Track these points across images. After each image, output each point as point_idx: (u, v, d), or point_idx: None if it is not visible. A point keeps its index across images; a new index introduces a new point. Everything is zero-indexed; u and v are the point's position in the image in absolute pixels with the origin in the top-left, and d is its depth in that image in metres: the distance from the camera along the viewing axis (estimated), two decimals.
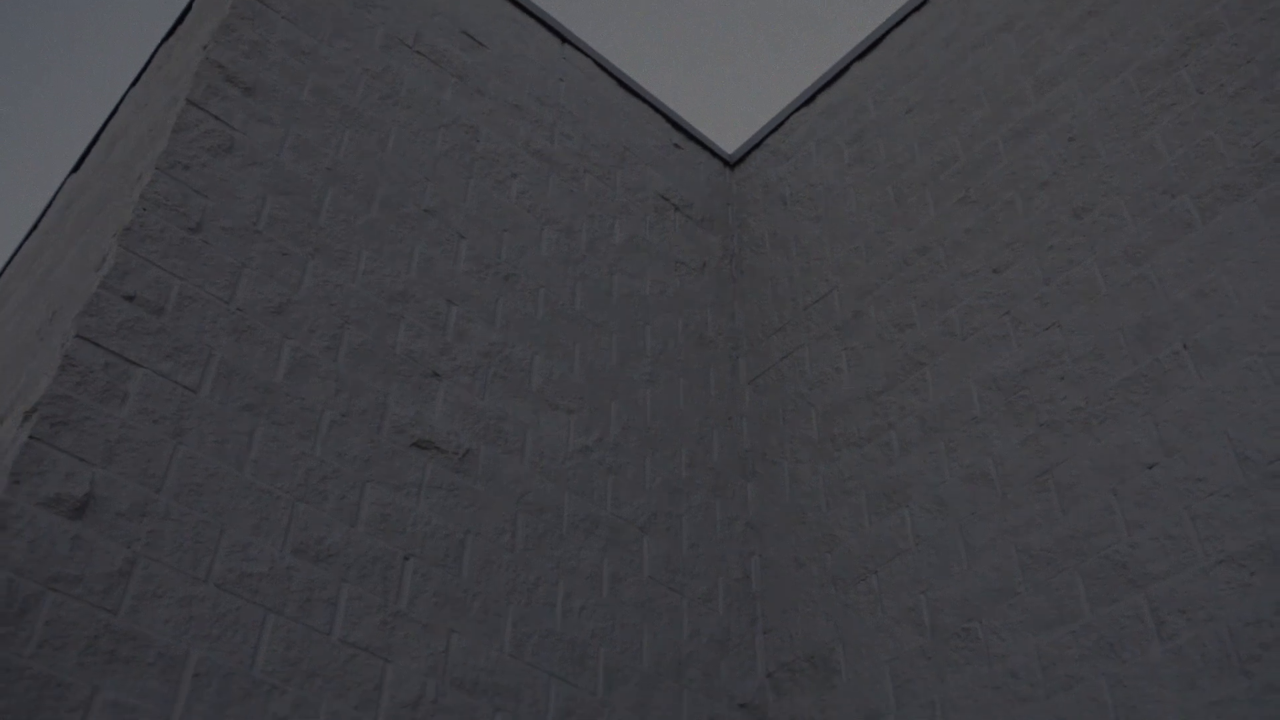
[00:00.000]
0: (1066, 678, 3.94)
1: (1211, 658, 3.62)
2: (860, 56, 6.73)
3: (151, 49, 6.65)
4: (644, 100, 6.93)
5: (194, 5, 5.80)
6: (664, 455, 5.36)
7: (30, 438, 3.40)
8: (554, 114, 6.22)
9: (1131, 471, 4.14)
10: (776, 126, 7.04)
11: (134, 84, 6.19)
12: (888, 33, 6.63)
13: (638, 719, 4.45)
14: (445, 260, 5.03)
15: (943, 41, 6.19)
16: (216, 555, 3.63)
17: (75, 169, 6.57)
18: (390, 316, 4.64)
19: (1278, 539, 3.65)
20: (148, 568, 3.46)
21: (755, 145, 7.11)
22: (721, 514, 5.42)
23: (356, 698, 3.72)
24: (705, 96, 18.63)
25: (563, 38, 6.70)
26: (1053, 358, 4.63)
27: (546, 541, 4.61)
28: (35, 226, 6.90)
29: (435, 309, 4.84)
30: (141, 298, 3.89)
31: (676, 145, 6.92)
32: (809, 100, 6.90)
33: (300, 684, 3.62)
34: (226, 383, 3.97)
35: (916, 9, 6.55)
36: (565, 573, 4.59)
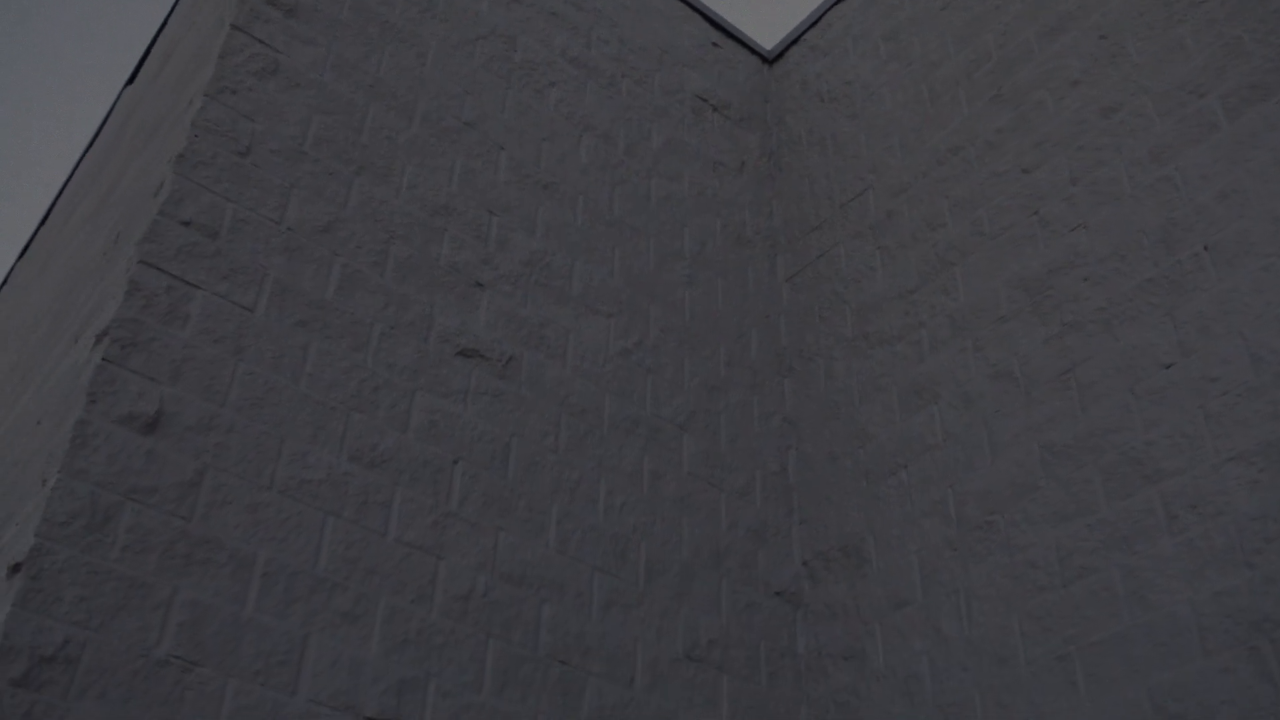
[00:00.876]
0: (1081, 568, 4.15)
1: (1218, 550, 3.80)
2: None
3: None
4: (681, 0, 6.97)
5: None
6: (702, 355, 5.56)
7: (103, 360, 3.66)
8: (591, 19, 6.30)
9: (1149, 371, 4.28)
10: (814, 22, 7.06)
11: None
12: None
13: (678, 608, 4.73)
14: (486, 172, 5.20)
15: None
16: (278, 464, 3.90)
17: (130, 81, 6.77)
18: (434, 230, 4.83)
19: None
20: (216, 477, 3.74)
21: (793, 41, 7.14)
22: (759, 410, 5.63)
23: (412, 592, 4.01)
24: None
25: None
26: (1078, 258, 4.74)
27: (588, 442, 4.85)
28: (95, 137, 7.13)
29: (477, 220, 5.02)
30: (197, 222, 4.10)
31: (714, 44, 6.97)
32: None
33: (360, 581, 3.91)
34: (280, 301, 4.20)
35: None
36: (607, 471, 4.83)
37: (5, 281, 7.97)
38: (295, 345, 4.15)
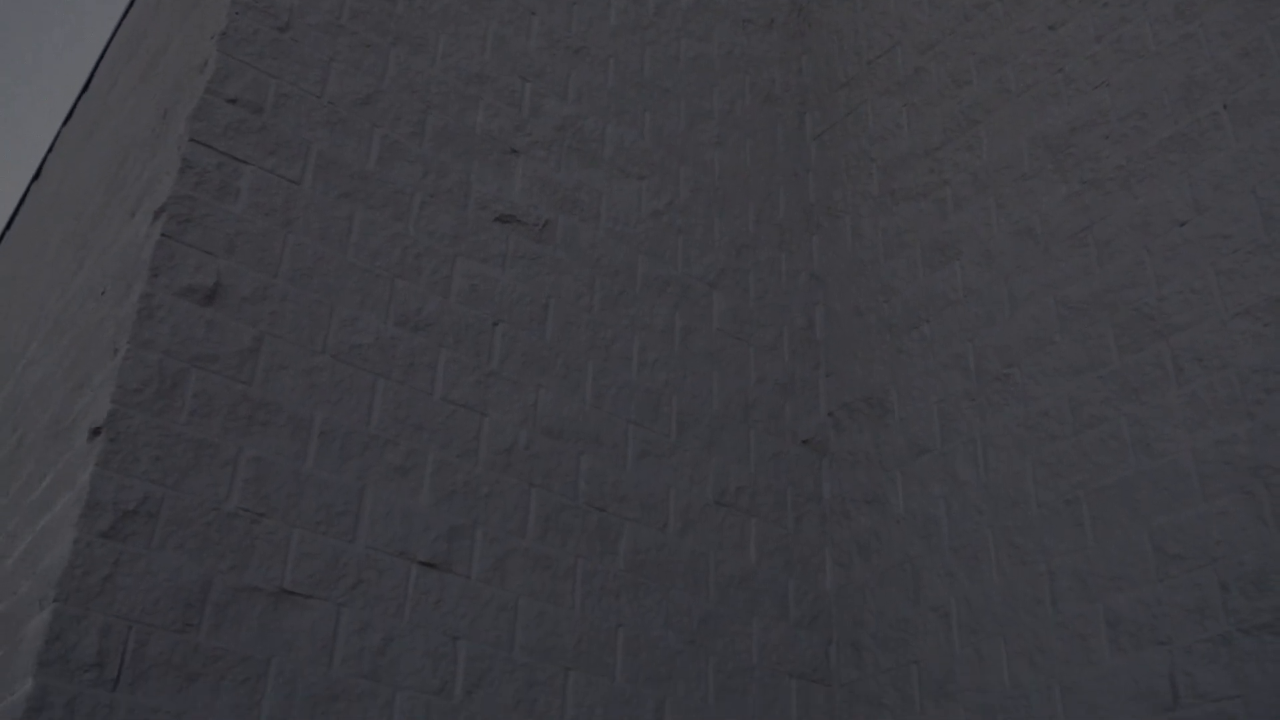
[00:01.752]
0: (1092, 418, 4.36)
1: (1221, 401, 3.99)
2: None
3: None
4: None
5: None
6: (732, 214, 5.71)
7: (162, 235, 3.88)
8: None
9: (1164, 228, 4.41)
10: None
11: None
12: None
13: (708, 457, 5.00)
14: (518, 38, 5.30)
15: None
16: (330, 330, 4.15)
17: None
18: (468, 98, 4.97)
19: None
20: (272, 344, 3.99)
21: None
22: (787, 267, 5.81)
23: (458, 448, 4.29)
24: None
25: None
26: (1100, 116, 4.83)
27: (621, 301, 5.06)
28: (131, 5, 7.23)
29: (510, 87, 5.15)
30: (243, 99, 4.27)
31: None
32: None
33: (409, 437, 4.18)
34: (325, 173, 4.38)
35: None
36: (639, 329, 5.06)
37: (51, 149, 8.17)
38: (340, 216, 4.35)
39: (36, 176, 8.34)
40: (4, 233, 8.75)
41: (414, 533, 4.06)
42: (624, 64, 5.68)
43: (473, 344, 4.51)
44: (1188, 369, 4.13)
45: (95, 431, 3.58)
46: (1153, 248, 4.42)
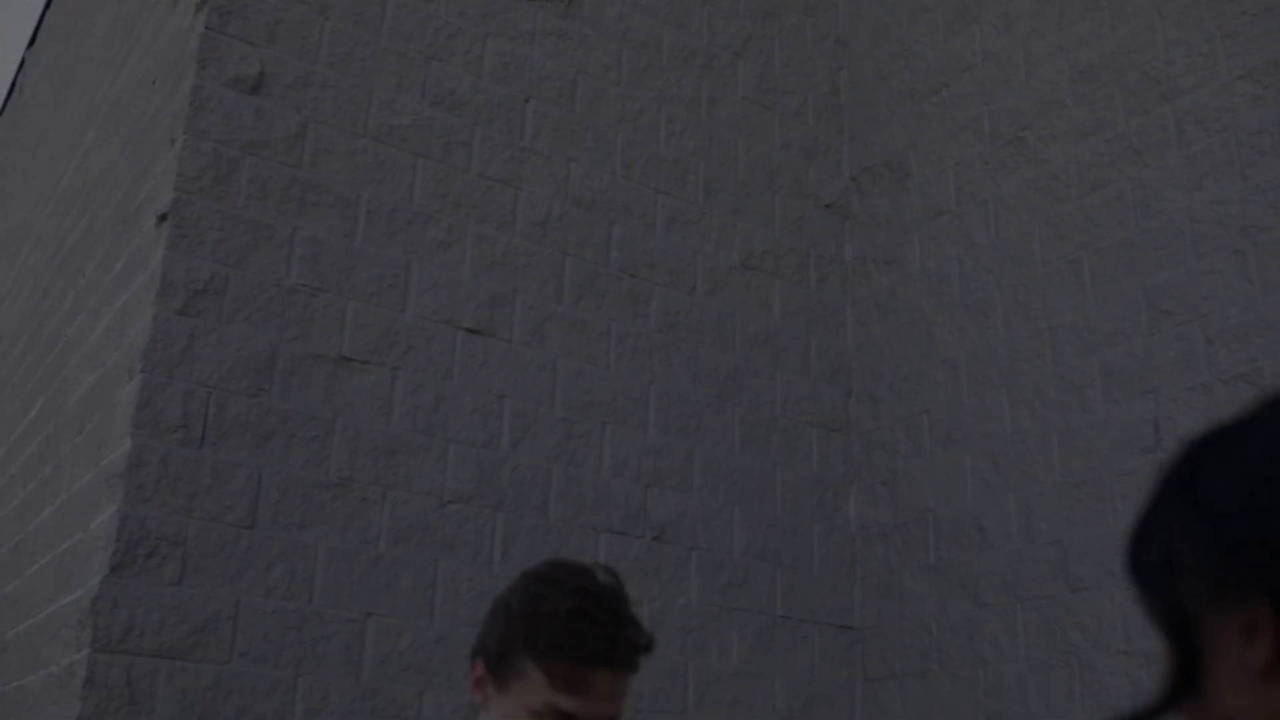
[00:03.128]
0: (1097, 180, 4.56)
1: (1218, 163, 4.18)
2: None
3: None
4: None
5: None
6: None
7: (206, 28, 4.09)
8: None
9: None
10: None
11: None
12: None
13: (734, 223, 5.27)
14: None
15: None
16: (369, 112, 4.39)
17: None
18: None
19: None
20: (317, 129, 4.24)
21: None
22: (812, 33, 5.90)
23: (495, 221, 4.58)
24: None
25: None
26: None
27: (648, 74, 5.23)
28: None
29: None
30: None
31: None
32: None
33: (450, 212, 4.48)
34: None
35: None
36: (666, 100, 5.24)
37: None
38: (373, 0, 4.51)
39: None
40: (45, 11, 8.89)
41: (458, 301, 4.40)
42: None
43: (505, 121, 4.73)
44: (1189, 132, 4.30)
45: (162, 218, 3.90)
46: (1164, 10, 4.51)
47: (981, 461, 4.70)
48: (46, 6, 8.82)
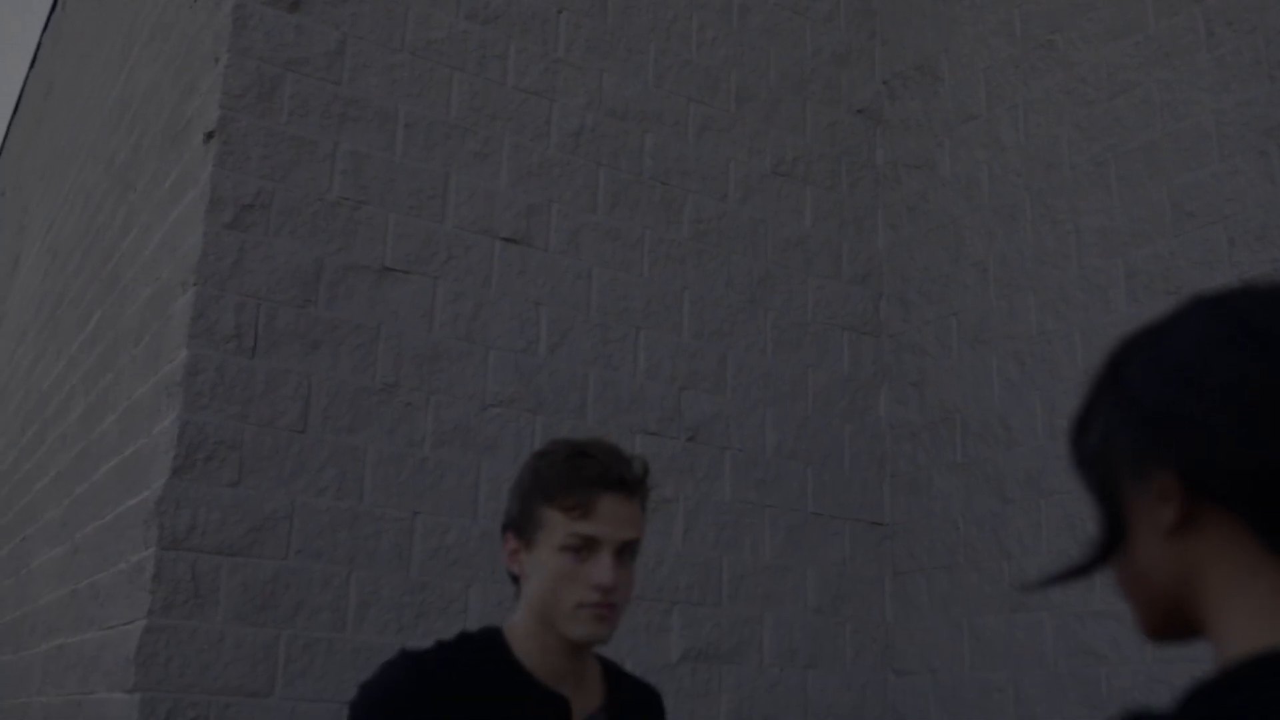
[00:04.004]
0: (1125, 83, 4.59)
1: (1246, 64, 4.21)
2: None
3: None
4: None
5: None
6: None
7: None
8: None
9: None
10: None
11: None
12: None
13: (766, 129, 5.34)
14: None
15: None
16: (406, 28, 4.48)
17: None
18: None
19: None
20: (355, 45, 4.35)
21: None
22: None
23: (531, 132, 4.69)
24: None
25: None
26: None
27: None
28: None
29: None
30: None
31: None
32: None
33: (486, 125, 4.59)
34: None
35: None
36: (698, 8, 5.29)
37: None
38: None
39: None
40: None
41: (496, 211, 4.53)
42: None
43: (539, 33, 4.81)
44: (1219, 33, 4.32)
45: (208, 135, 4.04)
46: None
47: (1008, 361, 4.81)
48: None
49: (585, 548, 1.70)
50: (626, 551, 1.73)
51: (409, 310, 4.24)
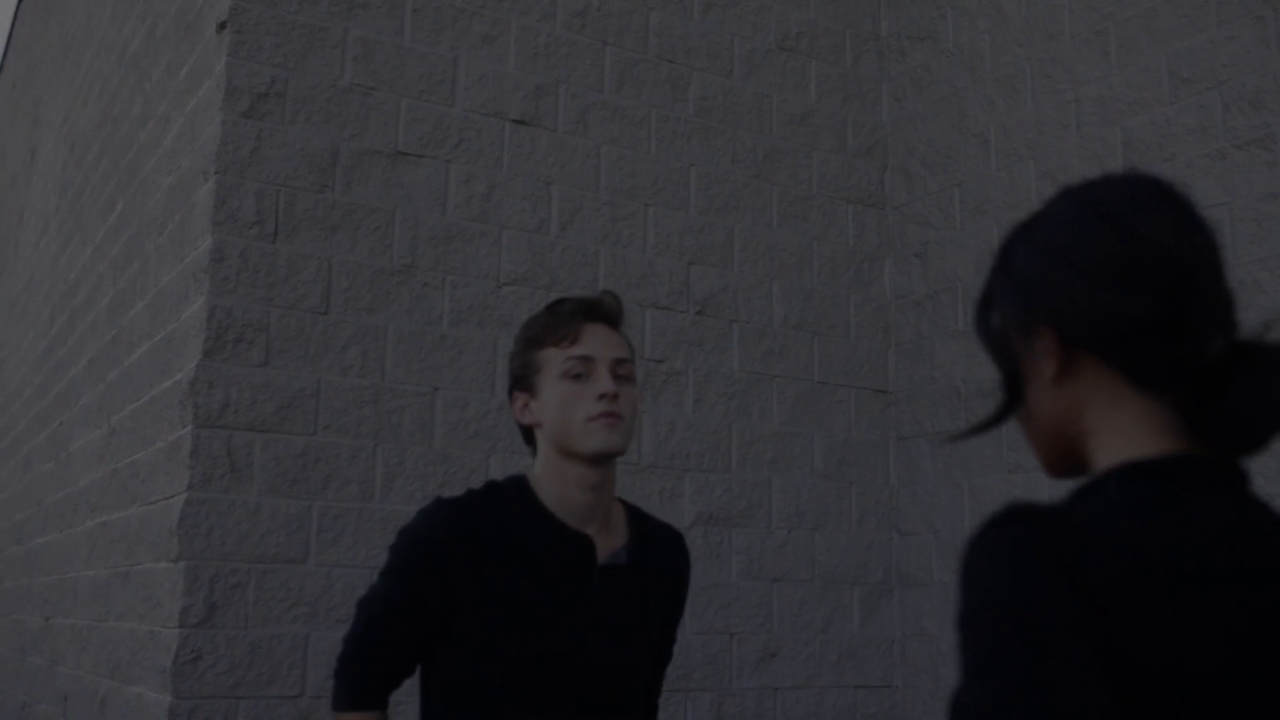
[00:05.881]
0: None
1: None
2: None
3: None
4: None
5: None
6: None
7: None
8: None
9: None
10: None
11: None
12: None
13: (770, 4, 5.38)
14: None
15: None
16: None
17: None
18: None
19: None
20: None
21: None
22: None
23: (538, 13, 4.75)
24: None
25: None
26: None
27: None
28: None
29: None
30: None
31: None
32: None
33: (493, 7, 4.65)
34: None
35: None
36: None
37: None
38: None
39: None
40: None
41: (505, 94, 4.63)
42: None
43: None
44: None
45: (221, 25, 4.13)
46: None
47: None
48: None
49: (583, 371, 1.89)
50: (621, 370, 1.92)
51: (423, 193, 4.37)
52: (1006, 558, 0.90)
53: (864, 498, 5.21)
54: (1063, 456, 1.08)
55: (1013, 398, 1.09)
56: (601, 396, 1.85)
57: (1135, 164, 4.46)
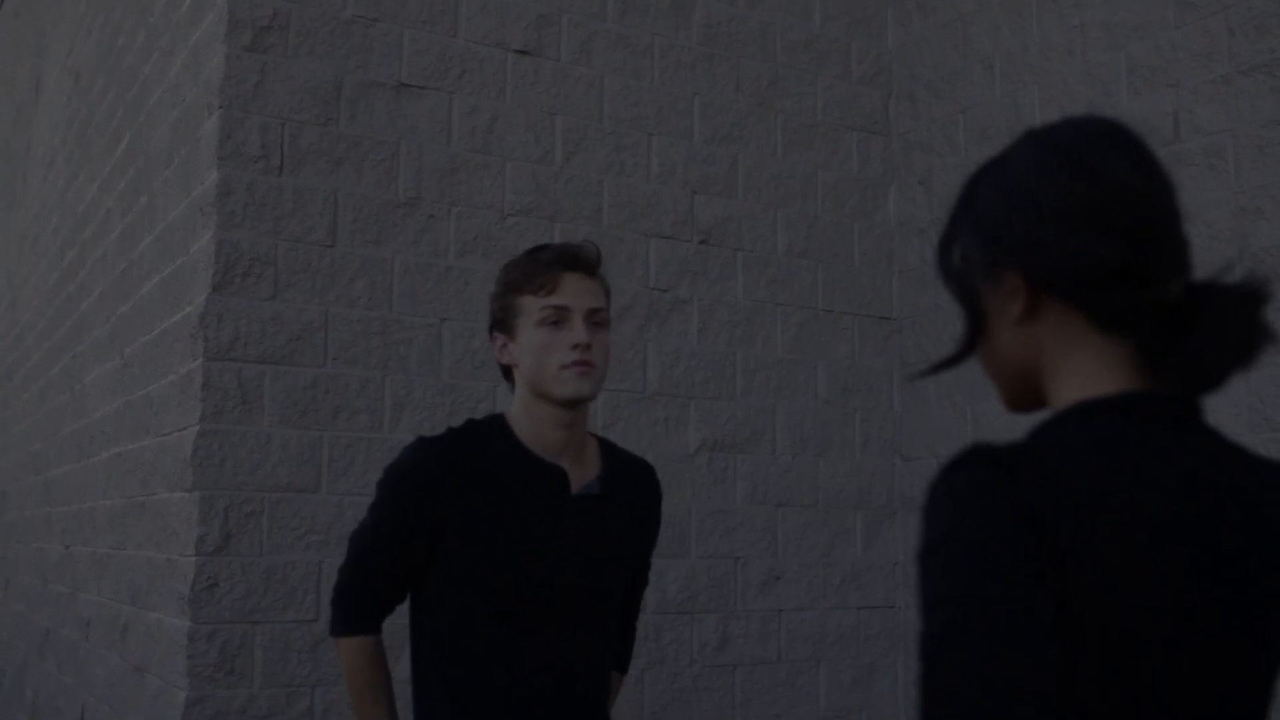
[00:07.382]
0: None
1: None
2: None
3: None
4: None
5: None
6: None
7: None
8: None
9: None
10: None
11: None
12: None
13: None
14: None
15: None
16: None
17: None
18: None
19: None
20: None
21: None
22: None
23: None
24: None
25: None
26: None
27: None
28: None
29: None
30: None
31: None
32: None
33: None
34: None
35: None
36: None
37: None
38: None
39: None
40: None
41: (507, 24, 4.62)
42: None
43: None
44: None
45: None
46: None
47: None
48: None
49: (559, 319, 1.99)
50: (595, 319, 2.02)
51: (427, 125, 4.39)
52: (966, 496, 0.95)
53: (867, 424, 5.27)
54: (1024, 393, 1.12)
55: (975, 335, 1.12)
56: (575, 346, 1.95)
57: (1139, 90, 4.46)
